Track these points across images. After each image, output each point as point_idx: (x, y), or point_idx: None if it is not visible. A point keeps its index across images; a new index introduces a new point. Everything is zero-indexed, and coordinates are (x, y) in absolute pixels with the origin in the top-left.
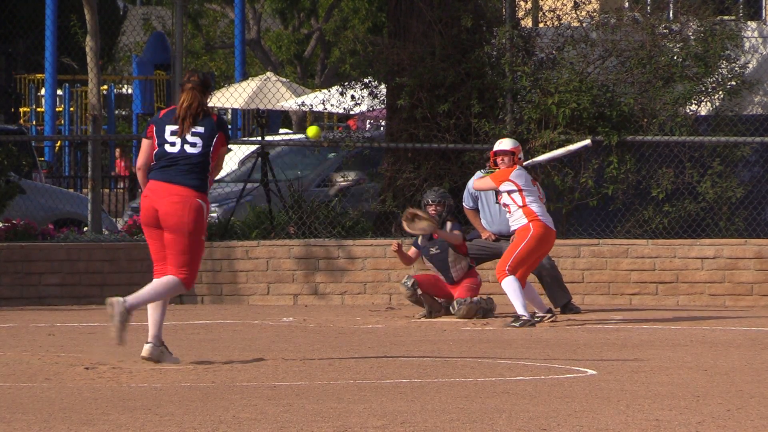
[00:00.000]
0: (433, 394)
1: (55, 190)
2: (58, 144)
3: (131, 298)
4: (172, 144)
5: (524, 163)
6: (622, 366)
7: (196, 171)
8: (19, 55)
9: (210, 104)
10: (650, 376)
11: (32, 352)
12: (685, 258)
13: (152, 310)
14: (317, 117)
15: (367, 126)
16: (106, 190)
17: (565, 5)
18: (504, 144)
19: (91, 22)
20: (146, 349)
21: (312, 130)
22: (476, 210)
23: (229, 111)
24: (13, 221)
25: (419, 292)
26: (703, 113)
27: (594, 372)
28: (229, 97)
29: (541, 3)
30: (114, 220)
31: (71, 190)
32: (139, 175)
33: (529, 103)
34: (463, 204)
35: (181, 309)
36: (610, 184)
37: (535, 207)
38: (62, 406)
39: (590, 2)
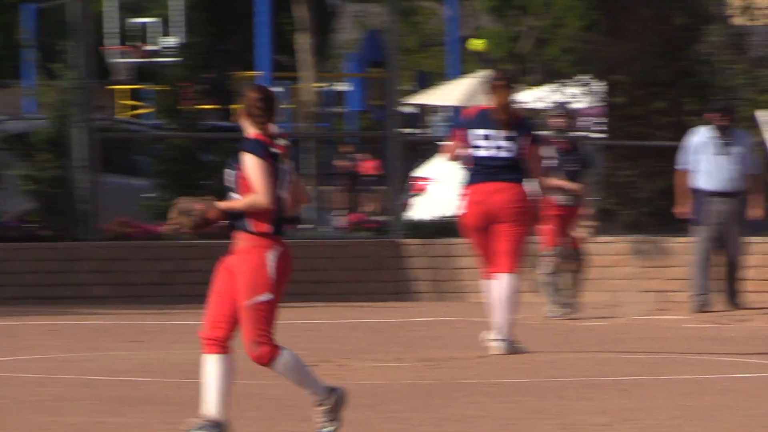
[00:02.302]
0: (655, 392)
1: None
2: None
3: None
4: (484, 148)
5: None
6: None
7: (514, 169)
8: (234, 52)
9: (425, 102)
10: None
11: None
12: None
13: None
14: (532, 115)
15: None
16: (327, 188)
17: None
18: None
19: (304, 19)
20: (496, 346)
21: (476, 43)
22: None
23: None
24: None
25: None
26: None
27: None
28: (444, 95)
29: (755, 1)
30: (333, 217)
31: None
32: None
33: (745, 101)
34: (679, 167)
35: (403, 306)
36: None
37: None
38: (286, 403)
39: None
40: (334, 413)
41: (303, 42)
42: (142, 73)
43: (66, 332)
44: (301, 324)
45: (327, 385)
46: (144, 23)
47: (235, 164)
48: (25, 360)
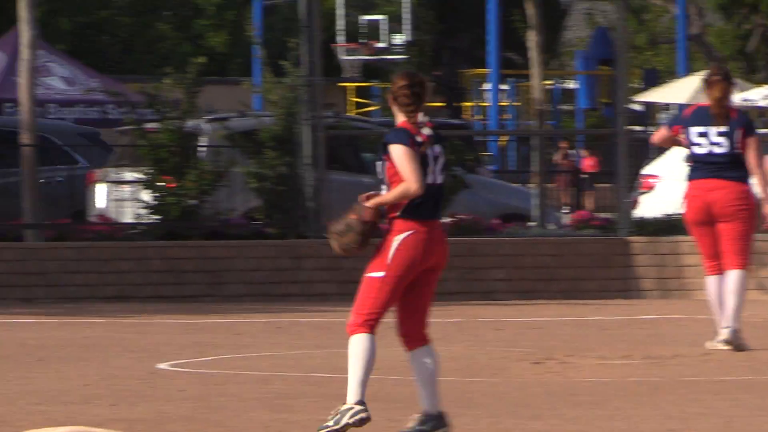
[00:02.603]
0: None
1: (500, 184)
2: (503, 138)
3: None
4: (701, 145)
5: None
6: None
7: (735, 166)
8: (462, 50)
9: (653, 100)
10: None
11: (479, 347)
12: None
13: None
14: (762, 113)
15: None
16: (551, 185)
17: None
18: None
19: (534, 16)
20: (726, 333)
21: None
22: None
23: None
24: (459, 216)
25: None
26: None
27: None
28: (672, 93)
29: None
30: (558, 214)
31: (517, 185)
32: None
33: None
34: None
35: (628, 304)
36: None
37: None
38: (510, 401)
39: None
40: (341, 417)
41: (532, 39)
42: (370, 70)
43: (290, 329)
44: (526, 321)
45: (362, 398)
46: (373, 20)
47: (383, 156)
48: (249, 357)
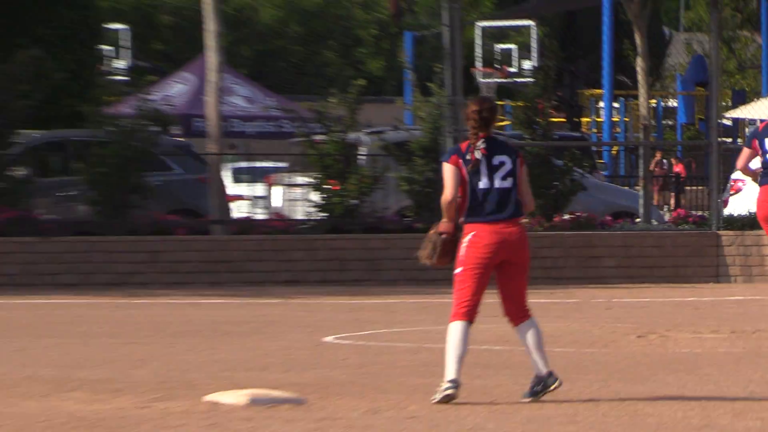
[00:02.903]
0: None
1: (612, 187)
2: (615, 148)
3: None
4: None
5: None
6: None
7: None
8: (580, 73)
9: (741, 116)
10: None
11: (593, 323)
12: None
13: None
14: None
15: None
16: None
17: None
18: None
19: (641, 45)
20: None
21: None
22: None
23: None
24: (577, 213)
25: None
26: None
27: None
28: (757, 110)
29: None
30: (660, 212)
31: (626, 188)
32: (747, 173)
33: None
34: None
35: (718, 287)
36: None
37: None
38: (618, 368)
39: None
40: (438, 394)
41: (639, 65)
42: (503, 91)
43: (436, 308)
44: (633, 302)
45: (458, 377)
46: (505, 49)
47: None
48: (401, 332)
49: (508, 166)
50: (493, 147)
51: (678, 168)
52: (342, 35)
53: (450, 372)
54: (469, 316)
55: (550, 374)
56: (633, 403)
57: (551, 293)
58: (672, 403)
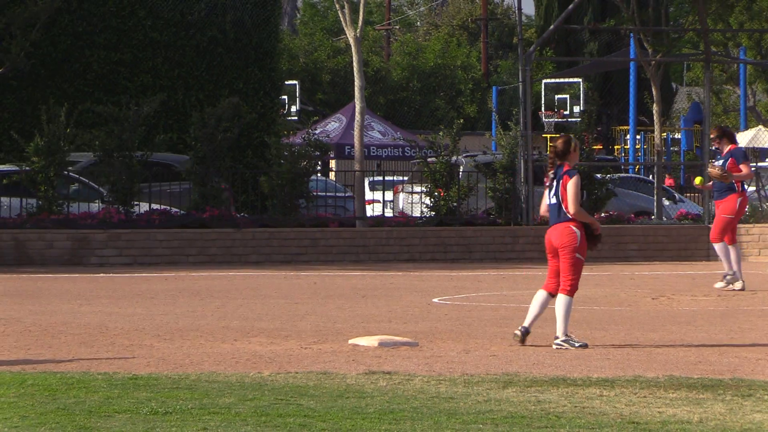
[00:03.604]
0: None
1: (634, 194)
2: (637, 167)
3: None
4: None
5: None
6: None
7: None
8: (613, 115)
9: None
10: None
11: (620, 289)
12: None
13: None
14: None
15: None
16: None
17: None
18: None
19: (656, 95)
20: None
21: (698, 180)
22: None
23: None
24: (610, 212)
25: None
26: None
27: None
28: (738, 139)
29: None
30: (668, 210)
31: (644, 195)
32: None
33: None
34: None
35: (708, 264)
36: None
37: None
38: (638, 321)
39: None
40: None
41: (655, 109)
42: (559, 127)
43: (511, 279)
44: (649, 274)
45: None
46: (561, 98)
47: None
48: (486, 295)
49: (556, 187)
50: (555, 173)
51: (668, 181)
52: (448, 88)
53: (526, 321)
54: (551, 287)
55: (567, 335)
56: (648, 346)
57: (591, 269)
58: (676, 345)
